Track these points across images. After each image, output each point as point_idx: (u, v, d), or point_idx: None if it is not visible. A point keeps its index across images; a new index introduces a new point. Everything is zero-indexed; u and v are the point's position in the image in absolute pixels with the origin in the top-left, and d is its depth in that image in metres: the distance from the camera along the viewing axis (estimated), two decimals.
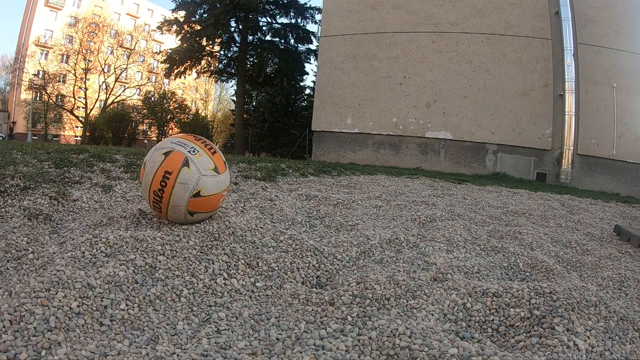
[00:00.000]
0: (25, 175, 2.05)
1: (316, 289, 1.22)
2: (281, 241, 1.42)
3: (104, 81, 30.64)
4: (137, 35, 33.93)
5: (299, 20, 18.07)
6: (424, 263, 1.40)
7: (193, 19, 17.01)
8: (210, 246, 1.26)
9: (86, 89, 29.63)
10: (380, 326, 0.90)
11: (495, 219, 2.44)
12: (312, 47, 18.56)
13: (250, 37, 18.04)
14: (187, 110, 31.66)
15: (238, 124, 18.90)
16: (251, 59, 18.41)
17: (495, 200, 3.46)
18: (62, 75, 30.45)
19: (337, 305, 1.04)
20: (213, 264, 1.18)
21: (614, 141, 9.40)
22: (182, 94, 33.00)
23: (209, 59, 18.63)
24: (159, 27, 17.72)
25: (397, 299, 1.07)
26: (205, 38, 17.05)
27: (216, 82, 26.46)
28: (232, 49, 18.63)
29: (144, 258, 1.11)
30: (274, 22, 18.12)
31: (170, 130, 31.89)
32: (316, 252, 1.39)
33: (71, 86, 29.64)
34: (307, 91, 22.74)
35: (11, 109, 36.02)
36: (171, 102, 30.86)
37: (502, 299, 1.05)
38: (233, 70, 19.08)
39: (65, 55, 32.26)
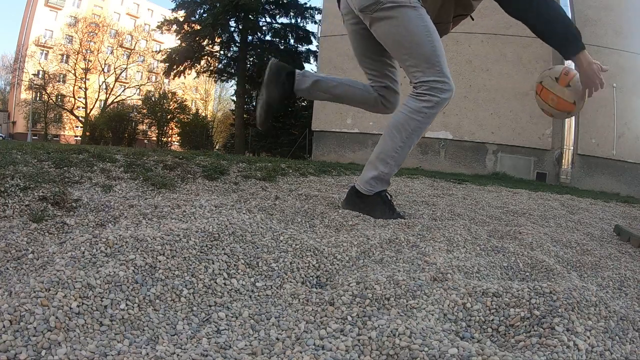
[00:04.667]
0: (25, 175, 2.06)
1: (316, 289, 1.22)
2: (281, 241, 1.42)
3: (104, 81, 30.63)
4: (137, 35, 33.89)
5: (299, 20, 18.10)
6: (424, 263, 1.39)
7: (193, 18, 17.03)
8: (210, 246, 1.26)
9: (86, 89, 29.62)
10: (380, 326, 0.90)
11: (495, 219, 2.45)
12: (312, 47, 18.56)
13: (250, 37, 18.06)
14: (187, 110, 31.62)
15: (238, 124, 18.92)
16: (251, 59, 18.41)
17: (495, 200, 3.46)
18: (62, 75, 30.46)
19: (337, 305, 1.03)
20: (213, 263, 1.18)
21: (614, 141, 9.40)
22: (182, 94, 32.96)
23: (209, 58, 18.65)
24: (159, 27, 17.74)
25: (397, 299, 1.07)
26: (204, 38, 17.06)
27: (216, 82, 26.52)
28: (232, 49, 18.66)
29: (144, 258, 1.11)
30: (274, 22, 18.15)
31: (171, 130, 31.85)
32: (316, 252, 1.39)
33: (71, 86, 29.65)
34: None
35: (11, 109, 36.01)
36: (171, 102, 30.82)
37: (502, 299, 1.05)
38: (233, 70, 19.11)
39: (65, 55, 32.25)
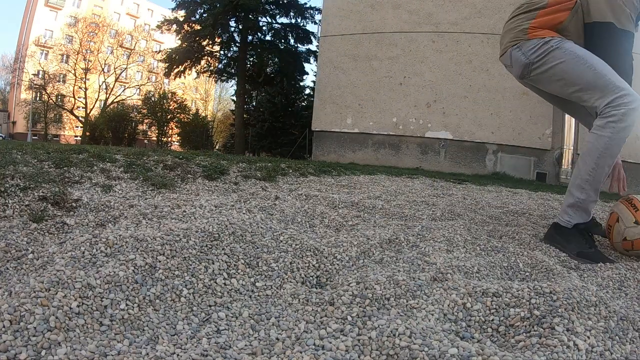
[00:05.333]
0: (25, 175, 2.06)
1: (316, 289, 1.22)
2: (281, 241, 1.42)
3: (104, 81, 30.63)
4: (137, 35, 33.89)
5: (299, 20, 18.07)
6: (424, 263, 1.40)
7: (193, 18, 17.00)
8: (210, 246, 1.26)
9: (86, 89, 29.63)
10: (380, 326, 0.90)
11: (495, 219, 2.44)
12: (312, 47, 18.54)
13: (250, 37, 18.03)
14: (187, 110, 31.60)
15: (238, 124, 18.90)
16: (251, 59, 18.39)
17: (495, 200, 3.46)
18: (62, 75, 30.46)
19: (337, 305, 1.03)
20: (213, 263, 1.18)
21: None
22: (182, 94, 32.95)
23: (209, 58, 18.62)
24: (159, 27, 17.72)
25: (397, 299, 1.07)
26: (204, 38, 17.03)
27: (216, 82, 26.51)
28: (232, 49, 18.62)
29: (144, 258, 1.11)
30: (274, 22, 18.11)
31: (171, 130, 31.84)
32: (316, 252, 1.39)
33: (71, 86, 29.67)
34: (307, 91, 22.75)
35: (11, 109, 36.03)
36: (171, 102, 30.80)
37: (502, 299, 1.05)
38: (233, 70, 19.07)
39: (65, 55, 32.26)
